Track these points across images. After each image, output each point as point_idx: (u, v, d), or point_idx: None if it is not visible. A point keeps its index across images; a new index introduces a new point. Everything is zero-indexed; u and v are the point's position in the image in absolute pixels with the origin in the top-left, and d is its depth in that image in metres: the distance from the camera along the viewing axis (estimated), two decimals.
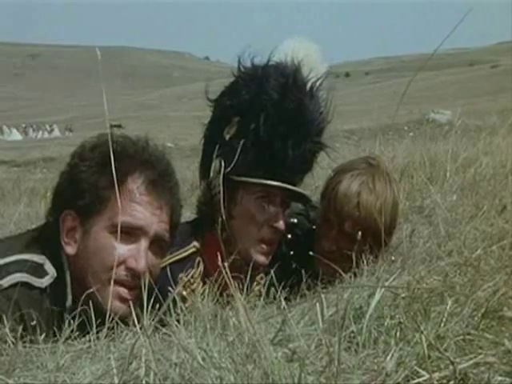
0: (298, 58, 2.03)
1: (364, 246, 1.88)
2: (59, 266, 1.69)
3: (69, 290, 1.68)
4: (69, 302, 1.66)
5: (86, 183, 1.68)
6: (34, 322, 1.52)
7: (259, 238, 1.97)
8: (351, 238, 1.97)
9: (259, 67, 2.00)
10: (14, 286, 1.58)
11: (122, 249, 1.67)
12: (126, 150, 1.73)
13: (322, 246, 2.07)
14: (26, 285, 1.61)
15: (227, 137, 1.97)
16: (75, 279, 1.68)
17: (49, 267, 1.67)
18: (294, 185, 2.00)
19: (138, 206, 1.70)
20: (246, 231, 1.97)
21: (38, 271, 1.65)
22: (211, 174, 1.97)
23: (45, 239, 1.73)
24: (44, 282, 1.65)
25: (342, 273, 1.71)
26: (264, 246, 1.98)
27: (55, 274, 1.67)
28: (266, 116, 1.93)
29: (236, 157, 1.92)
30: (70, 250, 1.70)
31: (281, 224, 1.98)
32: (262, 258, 1.97)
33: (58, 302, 1.65)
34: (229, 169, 1.93)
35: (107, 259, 1.65)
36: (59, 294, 1.66)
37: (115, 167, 1.64)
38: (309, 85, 2.01)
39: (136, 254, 1.68)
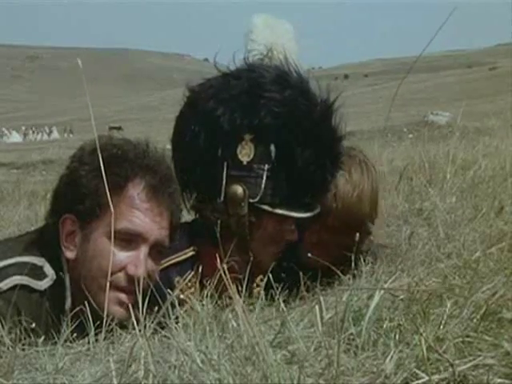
0: (279, 43, 1.99)
1: (346, 239, 1.88)
2: (59, 268, 1.68)
3: (68, 293, 1.67)
4: (68, 305, 1.66)
5: (86, 188, 1.67)
6: (34, 325, 1.52)
7: (275, 253, 1.96)
8: (332, 230, 1.97)
9: (283, 86, 1.87)
10: (13, 288, 1.58)
11: (121, 255, 1.66)
12: (126, 154, 1.72)
13: (305, 238, 2.07)
14: (25, 287, 1.61)
15: (245, 160, 1.85)
16: (74, 282, 1.68)
17: (48, 270, 1.67)
18: None
19: (139, 213, 1.68)
20: (264, 251, 1.93)
21: (38, 274, 1.65)
22: (223, 195, 1.86)
23: (44, 242, 1.72)
24: (43, 284, 1.64)
25: (330, 265, 1.71)
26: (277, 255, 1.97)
27: (54, 277, 1.66)
28: (304, 147, 1.85)
29: (263, 186, 1.84)
30: (70, 254, 1.69)
31: (295, 237, 1.96)
32: (271, 262, 1.94)
33: (57, 305, 1.65)
34: (257, 199, 1.84)
35: (106, 265, 1.64)
36: (59, 296, 1.66)
37: (115, 172, 1.64)
38: (330, 108, 1.93)
39: (136, 261, 1.67)
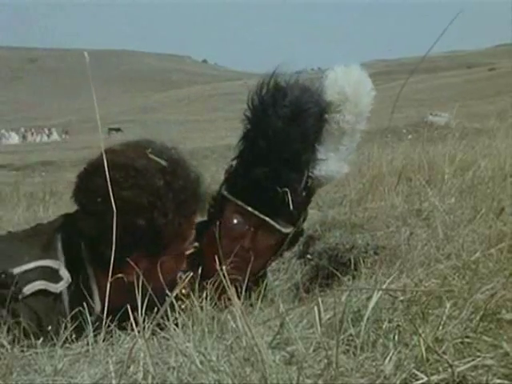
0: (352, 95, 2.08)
1: None
2: (79, 271, 1.68)
3: (96, 295, 1.68)
4: (98, 307, 1.67)
5: (167, 229, 1.71)
6: (50, 328, 1.52)
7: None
8: None
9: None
10: (36, 294, 1.58)
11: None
12: (188, 187, 1.76)
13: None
14: (43, 292, 1.61)
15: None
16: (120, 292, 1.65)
17: (63, 272, 1.66)
18: None
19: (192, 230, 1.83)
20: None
21: (54, 277, 1.64)
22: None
23: (66, 245, 1.70)
24: (59, 287, 1.64)
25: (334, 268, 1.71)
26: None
27: (70, 280, 1.66)
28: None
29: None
30: (132, 278, 1.65)
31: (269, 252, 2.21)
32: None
33: (75, 307, 1.62)
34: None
35: (173, 278, 1.77)
36: (78, 299, 1.65)
37: (187, 206, 1.74)
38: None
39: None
